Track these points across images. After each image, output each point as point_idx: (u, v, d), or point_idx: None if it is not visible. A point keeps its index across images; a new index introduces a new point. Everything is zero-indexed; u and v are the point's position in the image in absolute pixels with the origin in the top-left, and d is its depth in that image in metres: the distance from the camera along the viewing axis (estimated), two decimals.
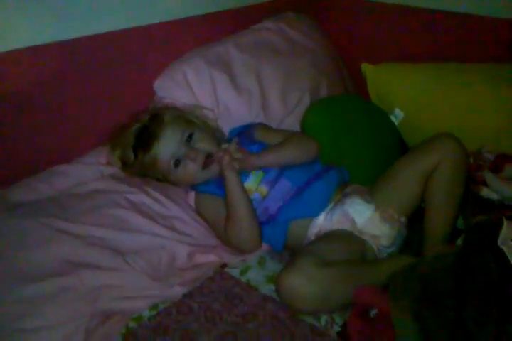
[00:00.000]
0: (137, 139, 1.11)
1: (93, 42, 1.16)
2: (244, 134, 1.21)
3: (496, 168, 1.14)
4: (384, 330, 0.85)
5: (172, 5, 1.31)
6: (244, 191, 1.08)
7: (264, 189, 1.11)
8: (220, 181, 1.13)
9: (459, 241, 0.97)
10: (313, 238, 1.08)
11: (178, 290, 0.98)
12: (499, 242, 0.85)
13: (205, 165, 1.11)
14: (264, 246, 1.12)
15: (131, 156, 1.11)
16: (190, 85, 1.28)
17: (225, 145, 1.11)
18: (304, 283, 0.88)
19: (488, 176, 1.13)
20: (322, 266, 0.91)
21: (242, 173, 1.11)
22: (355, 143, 1.30)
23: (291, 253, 1.11)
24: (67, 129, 1.18)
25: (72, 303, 0.90)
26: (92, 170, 1.15)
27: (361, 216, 1.07)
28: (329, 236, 1.06)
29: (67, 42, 1.11)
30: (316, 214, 1.09)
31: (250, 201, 1.08)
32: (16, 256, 0.93)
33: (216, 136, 1.22)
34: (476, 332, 0.73)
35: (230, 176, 1.07)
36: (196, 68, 1.29)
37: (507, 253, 0.82)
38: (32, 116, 1.12)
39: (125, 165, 1.14)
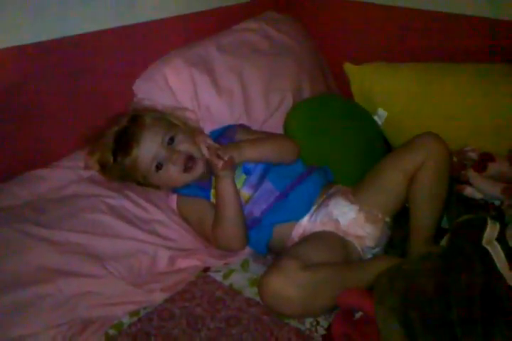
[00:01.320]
0: (116, 142, 1.08)
1: (71, 44, 1.13)
2: (225, 136, 1.19)
3: (480, 167, 1.14)
4: (369, 333, 0.84)
5: (152, 5, 1.29)
6: (237, 190, 1.07)
7: (246, 193, 1.10)
8: (203, 184, 1.11)
9: (444, 241, 0.97)
10: (297, 239, 1.07)
11: (159, 296, 0.96)
12: (484, 242, 0.84)
13: (187, 169, 1.09)
14: (248, 249, 1.10)
15: (111, 160, 1.08)
16: (171, 86, 1.26)
17: (210, 143, 1.08)
18: (287, 286, 0.87)
19: (472, 175, 1.13)
20: (305, 269, 0.90)
21: None
22: (338, 143, 1.29)
23: (274, 255, 1.10)
24: (45, 132, 1.15)
25: (50, 311, 0.88)
26: (71, 174, 1.12)
27: (345, 217, 1.06)
28: (313, 238, 1.05)
29: (44, 43, 1.08)
30: (301, 217, 1.09)
31: (240, 201, 1.07)
32: None
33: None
34: (463, 335, 0.72)
35: (227, 176, 1.04)
36: (177, 69, 1.27)
37: (492, 253, 0.81)
38: (8, 118, 1.09)
39: (104, 168, 1.11)
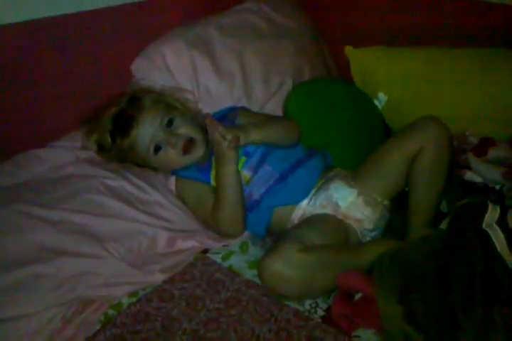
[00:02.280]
0: (115, 124, 1.07)
1: (69, 21, 1.12)
2: (226, 118, 1.18)
3: (480, 151, 1.14)
4: (369, 314, 0.84)
5: None
6: (239, 173, 1.05)
7: (246, 174, 1.09)
8: (203, 166, 1.10)
9: (443, 225, 0.97)
10: (296, 222, 1.07)
11: (158, 277, 0.96)
12: (484, 225, 0.85)
13: (187, 151, 1.08)
14: (246, 232, 1.10)
15: (109, 141, 1.07)
16: (170, 67, 1.25)
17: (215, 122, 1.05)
18: (285, 268, 0.88)
19: (473, 159, 1.12)
20: (304, 251, 0.90)
21: None
22: (337, 126, 1.28)
23: (273, 238, 1.10)
24: (42, 112, 1.14)
25: (50, 291, 0.88)
26: (68, 155, 1.11)
27: (345, 200, 1.06)
28: (312, 221, 1.05)
29: (42, 20, 1.07)
30: (300, 200, 1.08)
31: (241, 184, 1.06)
32: None
33: (197, 119, 1.18)
34: (463, 317, 0.73)
35: (230, 157, 1.02)
36: (176, 49, 1.25)
37: (492, 236, 0.82)
38: (4, 98, 1.07)
39: (102, 150, 1.10)
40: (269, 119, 1.19)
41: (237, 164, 1.05)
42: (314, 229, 1.00)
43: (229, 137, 0.99)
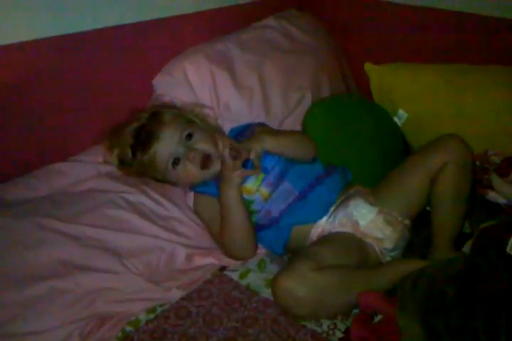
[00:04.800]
0: (136, 139, 1.08)
1: (91, 38, 1.13)
2: (244, 134, 1.18)
3: (503, 171, 1.12)
4: (389, 337, 0.82)
5: (173, 0, 1.28)
6: (241, 197, 1.05)
7: (265, 191, 1.09)
8: (219, 181, 1.10)
9: (466, 247, 0.95)
10: (315, 239, 1.06)
11: (175, 293, 0.96)
12: (508, 249, 0.83)
13: (204, 166, 1.08)
14: (264, 249, 1.09)
15: (130, 156, 1.08)
16: (190, 82, 1.26)
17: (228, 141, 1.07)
18: (298, 286, 0.87)
19: (495, 180, 1.11)
20: (317, 270, 0.89)
21: None
22: (357, 143, 1.27)
23: (290, 256, 1.09)
24: (65, 127, 1.16)
25: (68, 307, 0.89)
26: (89, 169, 1.12)
27: (364, 218, 1.05)
28: (330, 239, 1.04)
29: (62, 37, 1.08)
30: (319, 219, 1.07)
31: (246, 208, 1.06)
32: (10, 258, 0.91)
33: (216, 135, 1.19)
34: None
35: (234, 181, 1.03)
36: (197, 65, 1.27)
37: None
38: (28, 113, 1.09)
39: (123, 164, 1.11)
40: (284, 131, 1.20)
41: (239, 189, 1.04)
42: (330, 247, 0.99)
43: (237, 162, 1.00)
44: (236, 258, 1.06)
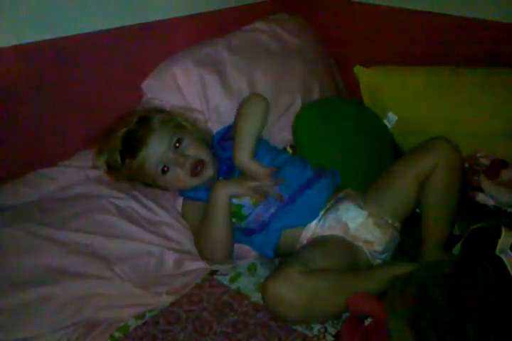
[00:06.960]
0: (124, 144, 1.07)
1: (79, 42, 1.13)
2: (226, 137, 1.18)
3: (492, 173, 1.13)
4: (379, 339, 0.82)
5: (162, 4, 1.28)
6: (230, 207, 1.05)
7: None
8: (209, 185, 1.10)
9: (456, 248, 0.95)
10: (305, 242, 1.06)
11: (165, 299, 0.95)
12: (497, 251, 0.83)
13: (194, 172, 1.07)
14: (255, 253, 1.09)
15: (118, 161, 1.07)
16: (179, 86, 1.25)
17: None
18: (286, 290, 0.87)
19: (484, 182, 1.11)
20: (306, 274, 0.89)
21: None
22: (347, 146, 1.27)
23: (281, 259, 1.08)
24: (52, 131, 1.15)
25: (56, 313, 0.88)
26: (78, 174, 1.11)
27: (354, 221, 1.05)
28: (318, 243, 1.03)
29: (52, 41, 1.07)
30: (309, 222, 1.07)
31: (230, 219, 1.06)
32: None
33: (206, 139, 1.18)
34: None
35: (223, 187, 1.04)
36: (186, 69, 1.26)
37: (506, 263, 0.80)
38: (16, 117, 1.08)
39: (112, 170, 1.10)
40: (236, 118, 1.14)
41: (229, 199, 1.05)
42: (320, 251, 0.99)
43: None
44: (207, 259, 1.05)
